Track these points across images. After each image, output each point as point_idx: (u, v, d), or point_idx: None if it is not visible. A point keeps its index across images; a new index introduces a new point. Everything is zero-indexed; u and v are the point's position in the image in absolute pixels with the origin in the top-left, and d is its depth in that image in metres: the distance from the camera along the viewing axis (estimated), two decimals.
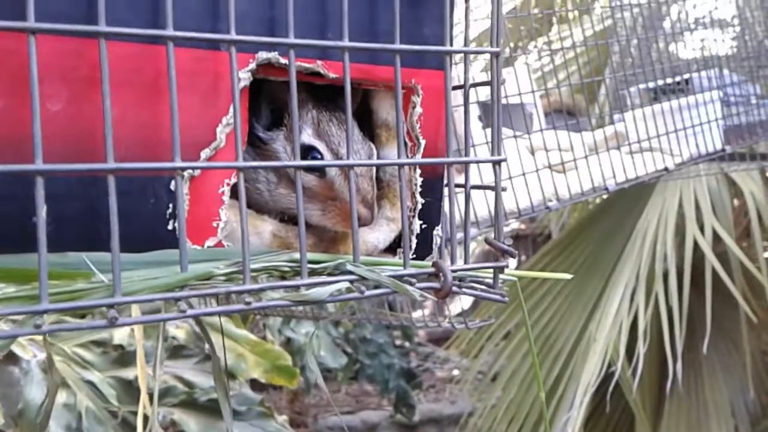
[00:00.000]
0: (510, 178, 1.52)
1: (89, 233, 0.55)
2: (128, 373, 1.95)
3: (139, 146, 0.56)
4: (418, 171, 0.72)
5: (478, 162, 0.69)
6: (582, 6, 2.52)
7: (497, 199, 0.65)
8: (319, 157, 0.71)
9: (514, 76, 1.70)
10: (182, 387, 2.01)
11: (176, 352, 2.11)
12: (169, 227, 0.59)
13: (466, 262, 0.64)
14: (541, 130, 1.79)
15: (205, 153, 0.60)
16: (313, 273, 0.58)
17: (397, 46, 0.59)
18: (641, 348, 2.84)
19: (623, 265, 3.17)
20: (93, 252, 0.53)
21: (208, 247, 0.61)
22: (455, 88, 0.69)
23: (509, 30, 2.14)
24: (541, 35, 2.37)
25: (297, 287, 0.55)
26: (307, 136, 0.71)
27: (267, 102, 0.73)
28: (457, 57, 0.98)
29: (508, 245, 0.65)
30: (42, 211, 0.45)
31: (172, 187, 0.58)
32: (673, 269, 3.04)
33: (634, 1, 2.07)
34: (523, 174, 1.53)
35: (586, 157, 1.69)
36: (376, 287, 0.58)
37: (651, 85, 2.19)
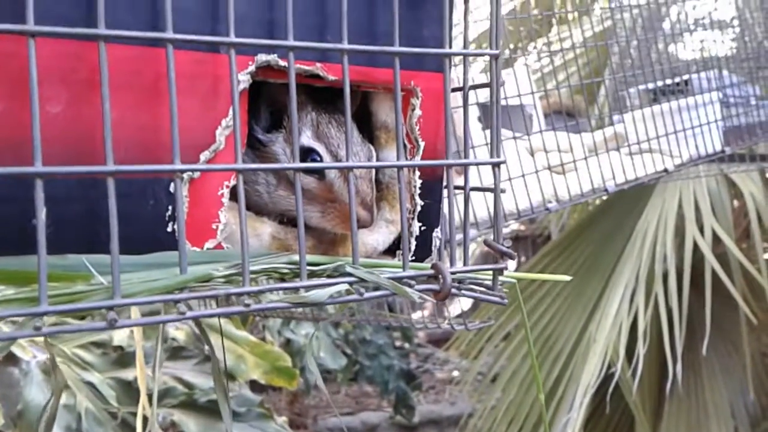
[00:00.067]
0: (509, 179, 1.52)
1: (89, 235, 0.55)
2: (128, 374, 1.95)
3: (139, 148, 0.56)
4: (418, 173, 0.72)
5: (477, 164, 0.69)
6: (581, 7, 2.52)
7: (496, 201, 0.65)
8: (319, 159, 0.71)
9: (514, 77, 1.70)
10: (182, 388, 2.01)
11: (176, 353, 2.11)
12: (169, 229, 0.59)
13: (465, 264, 0.64)
14: (541, 132, 1.79)
15: (204, 155, 0.60)
16: (312, 275, 0.58)
17: (397, 48, 0.59)
18: (641, 349, 2.84)
19: (623, 266, 3.17)
20: (92, 254, 0.53)
21: (208, 249, 0.61)
22: (454, 90, 0.70)
23: (509, 31, 2.15)
24: (540, 36, 2.37)
25: (296, 289, 0.55)
26: (307, 139, 0.71)
27: (266, 104, 0.73)
28: (457, 59, 0.98)
29: (508, 247, 0.65)
30: (41, 213, 0.45)
31: (172, 189, 0.58)
32: (673, 270, 3.04)
33: (634, 2, 2.07)
34: (523, 175, 1.53)
35: (585, 158, 1.69)
36: (376, 289, 0.58)
37: (650, 86, 2.19)
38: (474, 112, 1.82)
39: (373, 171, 0.73)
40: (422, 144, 0.71)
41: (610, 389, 2.91)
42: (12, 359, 1.81)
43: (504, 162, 0.65)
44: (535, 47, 2.47)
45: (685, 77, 2.24)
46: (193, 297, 0.52)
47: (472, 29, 2.33)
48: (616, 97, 2.18)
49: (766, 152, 2.71)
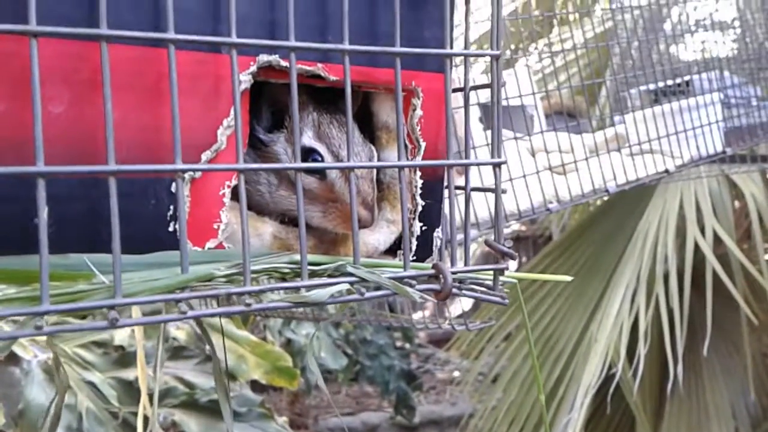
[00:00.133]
0: (510, 179, 1.52)
1: (90, 235, 0.55)
2: (129, 374, 1.95)
3: (140, 148, 0.56)
4: (419, 173, 0.72)
5: (478, 164, 0.69)
6: (583, 8, 2.52)
7: (497, 202, 0.65)
8: (320, 159, 0.71)
9: (515, 77, 1.70)
10: (183, 388, 2.01)
11: (177, 353, 2.11)
12: (170, 229, 0.59)
13: (466, 264, 0.64)
14: (542, 132, 1.79)
15: (206, 155, 0.60)
16: (313, 275, 0.58)
17: (398, 49, 0.59)
18: (642, 349, 2.84)
19: (624, 267, 3.17)
20: (94, 253, 0.53)
21: (209, 248, 0.61)
22: (456, 90, 0.70)
23: (510, 32, 2.15)
24: (541, 37, 2.37)
25: (297, 289, 0.56)
26: (308, 139, 0.72)
27: (268, 104, 0.73)
28: (458, 59, 0.98)
29: (508, 247, 0.65)
30: (43, 212, 0.45)
31: (173, 189, 0.58)
32: (674, 271, 3.04)
33: (635, 3, 2.07)
34: (524, 176, 1.53)
35: (586, 158, 1.69)
36: (377, 289, 0.58)
37: (651, 87, 2.19)
38: (475, 113, 1.82)
39: (375, 171, 0.73)
40: (423, 144, 0.71)
41: (611, 390, 2.91)
42: (13, 359, 1.82)
43: (505, 162, 0.65)
44: (536, 48, 2.47)
45: (686, 78, 2.24)
46: (195, 296, 0.52)
47: (474, 30, 2.33)
48: (617, 97, 2.18)
49: (767, 153, 2.71)
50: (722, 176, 3.12)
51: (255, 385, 2.54)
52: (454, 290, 0.62)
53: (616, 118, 2.12)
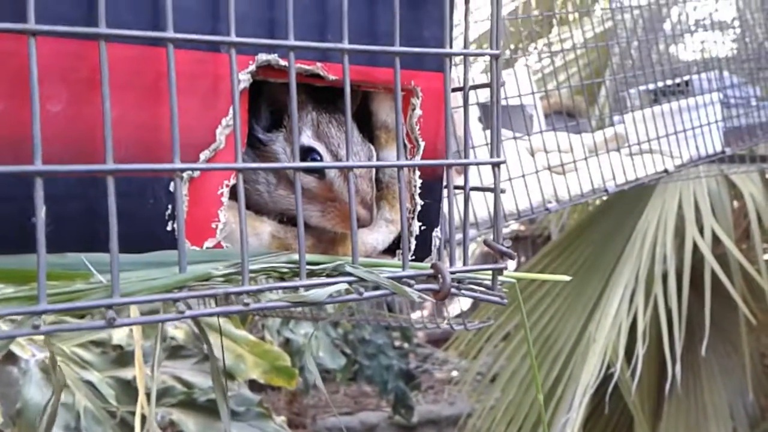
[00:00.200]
0: (510, 179, 1.52)
1: (88, 234, 0.55)
2: (127, 373, 1.95)
3: (139, 147, 0.56)
4: (418, 173, 0.72)
5: (477, 164, 0.69)
6: (582, 8, 2.52)
7: (496, 201, 0.65)
8: (319, 158, 0.71)
9: (515, 77, 1.70)
10: (181, 387, 2.01)
11: (175, 352, 2.11)
12: (168, 228, 0.59)
13: (465, 264, 0.64)
14: (541, 132, 1.79)
15: (204, 154, 0.60)
16: (311, 274, 0.58)
17: (397, 48, 0.59)
18: (640, 349, 2.84)
19: (623, 267, 3.17)
20: (92, 252, 0.53)
21: (207, 248, 0.61)
22: (455, 89, 0.70)
23: (510, 32, 2.14)
24: (541, 37, 2.37)
25: (296, 288, 0.55)
26: (307, 138, 0.72)
27: (267, 103, 0.73)
28: (457, 59, 0.98)
29: (507, 247, 0.65)
30: (41, 211, 0.45)
31: (172, 188, 0.58)
32: (673, 271, 3.04)
33: (635, 2, 2.07)
34: (523, 175, 1.53)
35: (585, 158, 1.69)
36: (375, 288, 0.58)
37: (651, 86, 2.19)
38: (474, 112, 1.82)
39: (373, 170, 0.73)
40: (422, 144, 0.71)
41: (609, 389, 2.91)
42: (11, 358, 1.81)
43: (504, 162, 0.65)
44: (535, 48, 2.47)
45: (686, 78, 2.24)
46: (192, 296, 0.52)
47: (473, 30, 2.33)
48: (617, 97, 2.18)
49: (766, 153, 2.71)
50: (721, 176, 3.12)
51: (253, 385, 2.54)
52: (453, 290, 0.62)
53: (616, 118, 2.12)
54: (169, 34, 0.50)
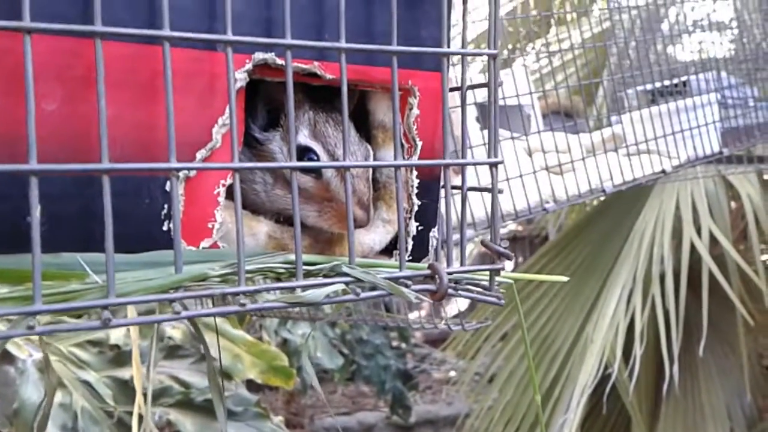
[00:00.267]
0: (507, 179, 1.51)
1: (84, 233, 0.55)
2: (124, 373, 1.94)
3: (135, 146, 0.56)
4: (415, 172, 0.72)
5: (475, 164, 0.69)
6: (580, 8, 2.52)
7: (494, 202, 0.65)
8: (316, 158, 0.71)
9: (512, 77, 1.70)
10: (178, 387, 2.01)
11: (172, 352, 2.11)
12: (164, 228, 0.59)
13: (462, 264, 0.64)
14: (539, 132, 1.78)
15: (200, 153, 0.59)
16: (308, 275, 0.58)
17: (394, 47, 0.59)
18: (638, 350, 2.84)
19: (620, 267, 3.17)
20: (87, 252, 0.53)
21: (204, 248, 0.61)
22: (453, 89, 0.69)
23: (508, 32, 2.14)
24: (539, 37, 2.37)
25: (292, 289, 0.55)
26: (304, 137, 0.71)
27: (263, 103, 0.73)
28: (455, 58, 0.98)
29: (505, 248, 0.65)
30: (36, 211, 0.45)
31: (168, 187, 0.58)
32: (670, 271, 3.04)
33: (633, 3, 2.07)
34: (521, 175, 1.53)
35: (583, 159, 1.69)
36: (372, 289, 0.58)
37: (649, 87, 2.19)
38: (472, 112, 1.82)
39: (370, 170, 0.73)
40: (420, 143, 0.71)
41: (607, 390, 2.91)
42: (8, 358, 1.81)
43: (501, 162, 0.65)
44: (533, 48, 2.47)
45: (684, 78, 2.23)
46: (189, 296, 0.52)
47: (471, 29, 2.33)
48: (615, 98, 2.18)
49: (763, 154, 2.71)
50: (719, 177, 3.12)
51: (251, 385, 2.54)
52: (450, 291, 0.61)
53: (613, 118, 2.12)
54: (165, 32, 0.50)
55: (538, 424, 3.10)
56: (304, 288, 0.55)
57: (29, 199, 0.45)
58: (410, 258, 0.73)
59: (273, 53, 0.61)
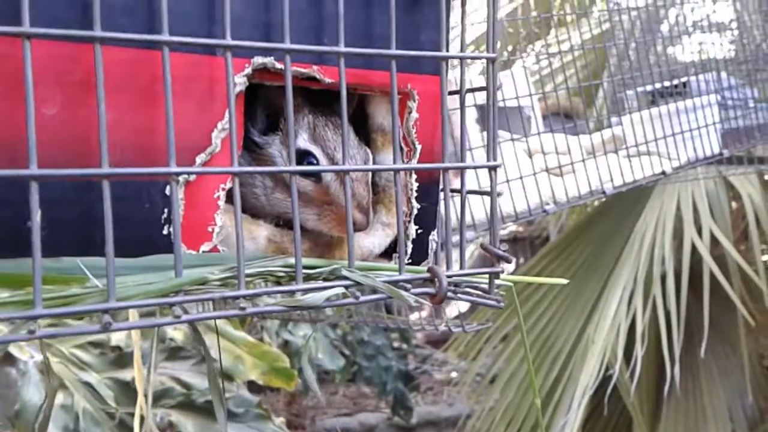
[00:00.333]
0: (507, 181, 1.52)
1: (84, 238, 0.55)
2: (126, 375, 1.95)
3: (134, 151, 0.56)
4: (414, 176, 0.72)
5: (474, 167, 0.69)
6: (580, 9, 2.52)
7: (493, 205, 0.65)
8: (315, 162, 0.71)
9: (512, 79, 1.70)
10: (180, 388, 2.01)
11: (174, 353, 2.11)
12: (164, 232, 0.59)
13: (461, 268, 0.64)
14: (539, 134, 1.79)
15: (200, 158, 0.60)
16: (308, 278, 0.58)
17: (393, 51, 0.59)
18: (639, 351, 2.84)
19: (621, 268, 3.16)
20: (88, 257, 0.53)
21: (204, 251, 0.61)
22: (452, 93, 0.69)
23: (508, 33, 2.14)
24: (539, 38, 2.37)
25: (292, 292, 0.55)
26: (303, 141, 0.71)
27: (263, 107, 0.73)
28: (454, 61, 0.98)
29: (504, 251, 0.65)
30: (36, 216, 0.45)
31: (168, 191, 0.58)
32: (671, 272, 3.04)
33: (633, 4, 2.07)
34: (521, 177, 1.53)
35: (583, 160, 1.69)
36: (372, 292, 0.58)
37: (649, 88, 2.19)
38: (472, 114, 1.82)
39: (370, 174, 0.73)
40: (419, 147, 0.71)
41: (608, 391, 2.91)
42: (9, 359, 1.81)
43: (500, 165, 0.65)
44: (532, 49, 2.47)
45: (684, 80, 2.23)
46: (188, 300, 0.52)
47: (471, 31, 2.33)
48: (615, 99, 2.18)
49: (764, 155, 2.71)
50: (719, 178, 3.12)
51: (252, 386, 2.54)
52: (449, 294, 0.61)
53: (613, 120, 2.12)
54: (165, 37, 0.50)
55: (539, 425, 3.10)
56: (304, 291, 0.55)
57: (30, 203, 0.45)
58: (410, 261, 0.73)
59: (272, 57, 0.62)
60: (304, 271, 0.57)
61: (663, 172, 1.83)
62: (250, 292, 0.53)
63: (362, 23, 0.66)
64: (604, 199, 3.22)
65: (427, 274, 0.61)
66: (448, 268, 0.63)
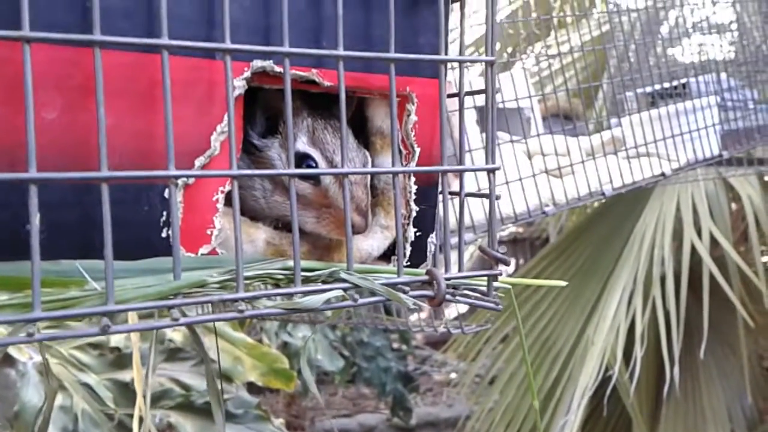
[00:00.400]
0: (507, 182, 1.52)
1: (83, 241, 0.55)
2: (125, 376, 1.95)
3: (133, 155, 0.56)
4: (413, 179, 0.72)
5: (472, 170, 0.69)
6: (580, 11, 2.52)
7: (491, 208, 0.65)
8: (314, 164, 0.71)
9: (512, 80, 1.70)
10: (179, 390, 2.01)
11: (173, 354, 2.11)
12: (163, 235, 0.59)
13: (460, 270, 0.65)
14: (539, 135, 1.79)
15: (199, 161, 0.60)
16: (307, 281, 0.58)
17: (392, 54, 0.59)
18: (638, 352, 2.84)
19: (621, 269, 3.17)
20: (87, 260, 0.53)
21: (202, 254, 0.61)
22: (451, 95, 0.70)
23: (508, 35, 2.14)
24: (539, 40, 2.37)
25: (291, 295, 0.56)
26: (302, 144, 0.71)
27: (262, 110, 0.73)
28: (454, 63, 0.98)
29: (502, 253, 0.65)
30: (35, 219, 0.45)
31: (166, 195, 0.58)
32: (671, 273, 3.04)
33: (632, 5, 2.07)
34: (520, 178, 1.53)
35: (583, 161, 1.69)
36: (371, 295, 0.58)
37: (649, 89, 2.19)
38: (472, 116, 1.82)
39: (369, 177, 0.73)
40: (417, 150, 0.71)
41: (608, 392, 2.91)
42: (8, 360, 1.81)
43: (499, 168, 0.65)
44: (532, 50, 2.48)
45: (684, 81, 2.23)
46: (187, 303, 0.52)
47: (471, 33, 2.33)
48: (614, 100, 2.18)
49: (763, 156, 2.71)
50: (719, 179, 3.13)
51: (251, 387, 2.54)
52: (448, 296, 0.62)
53: (613, 121, 2.12)
54: (164, 41, 0.50)
55: (537, 427, 3.10)
56: (303, 294, 0.56)
57: (29, 207, 0.45)
58: (408, 264, 0.73)
59: (271, 61, 0.62)
60: (303, 273, 0.57)
61: (662, 174, 1.83)
62: (248, 295, 0.53)
63: (361, 26, 0.66)
64: (603, 201, 3.22)
65: (426, 277, 0.61)
66: (446, 270, 0.64)
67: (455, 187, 0.67)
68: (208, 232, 0.61)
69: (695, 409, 3.24)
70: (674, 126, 1.92)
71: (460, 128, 0.65)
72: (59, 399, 1.76)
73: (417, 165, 0.71)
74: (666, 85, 2.18)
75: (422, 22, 0.68)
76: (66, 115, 0.54)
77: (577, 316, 3.24)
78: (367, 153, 0.74)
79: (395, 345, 4.76)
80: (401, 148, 0.71)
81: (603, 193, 1.68)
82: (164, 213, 0.59)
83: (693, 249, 3.06)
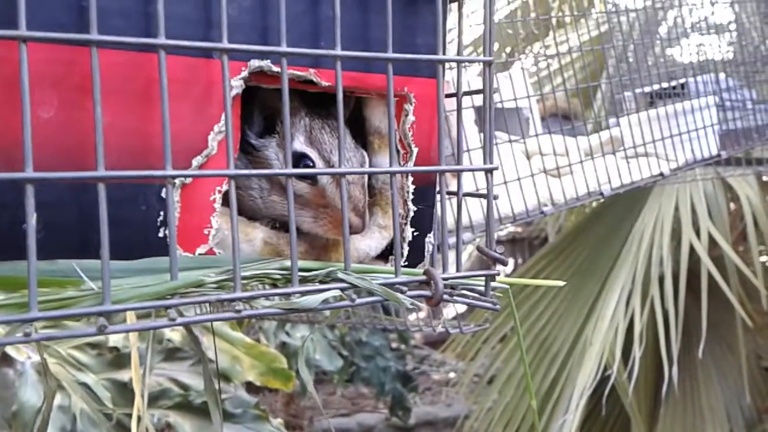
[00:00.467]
0: (505, 182, 1.52)
1: (80, 240, 0.55)
2: (123, 376, 1.94)
3: (130, 154, 0.56)
4: (411, 178, 0.72)
5: (470, 170, 0.69)
6: (579, 11, 2.52)
7: (489, 208, 0.65)
8: (312, 164, 0.71)
9: (511, 80, 1.70)
10: (177, 389, 2.01)
11: (171, 354, 2.11)
12: (160, 235, 0.59)
13: (458, 270, 0.64)
14: (537, 135, 1.79)
15: (196, 160, 0.60)
16: (304, 281, 0.58)
17: (390, 54, 0.59)
18: (637, 351, 2.85)
19: (619, 269, 3.17)
20: (83, 259, 0.53)
21: (199, 254, 0.61)
22: (449, 95, 0.70)
23: (507, 35, 2.15)
24: (537, 40, 2.37)
25: (288, 295, 0.55)
26: (300, 144, 0.71)
27: (259, 109, 0.73)
28: (452, 63, 0.98)
29: (500, 253, 0.65)
30: (32, 218, 0.45)
31: (163, 194, 0.58)
32: (669, 273, 3.05)
33: (631, 6, 2.07)
34: (519, 178, 1.53)
35: (581, 161, 1.69)
36: (368, 295, 0.58)
37: (647, 89, 2.19)
38: (470, 116, 1.82)
39: (366, 176, 0.73)
40: (415, 150, 0.71)
41: (606, 391, 2.91)
42: (6, 360, 1.81)
43: (497, 168, 0.65)
44: (531, 50, 2.48)
45: (682, 81, 2.23)
46: (184, 303, 0.52)
47: (469, 33, 2.33)
48: (613, 100, 2.18)
49: (762, 156, 2.72)
50: (717, 179, 3.13)
51: (250, 387, 2.54)
52: (446, 296, 0.62)
53: (612, 121, 2.12)
54: (161, 40, 0.50)
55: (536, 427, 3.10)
56: (300, 294, 0.56)
57: (25, 206, 0.45)
58: (406, 264, 0.73)
59: (269, 60, 0.62)
60: (301, 273, 0.57)
61: (661, 174, 1.83)
62: (246, 295, 0.53)
63: (359, 26, 0.66)
64: (602, 201, 3.22)
65: (423, 277, 0.61)
66: (444, 270, 0.64)
67: (453, 187, 0.67)
68: (206, 231, 0.61)
69: (694, 408, 3.24)
70: (673, 126, 1.92)
71: (457, 128, 0.65)
72: (57, 399, 1.75)
73: (414, 165, 0.71)
74: (664, 85, 2.18)
75: (420, 22, 0.68)
76: (63, 114, 0.54)
77: (575, 315, 3.24)
78: (365, 153, 0.74)
79: (394, 344, 4.76)
80: (399, 147, 0.71)
81: (601, 193, 1.68)
82: (161, 213, 0.59)
83: (691, 249, 3.06)
